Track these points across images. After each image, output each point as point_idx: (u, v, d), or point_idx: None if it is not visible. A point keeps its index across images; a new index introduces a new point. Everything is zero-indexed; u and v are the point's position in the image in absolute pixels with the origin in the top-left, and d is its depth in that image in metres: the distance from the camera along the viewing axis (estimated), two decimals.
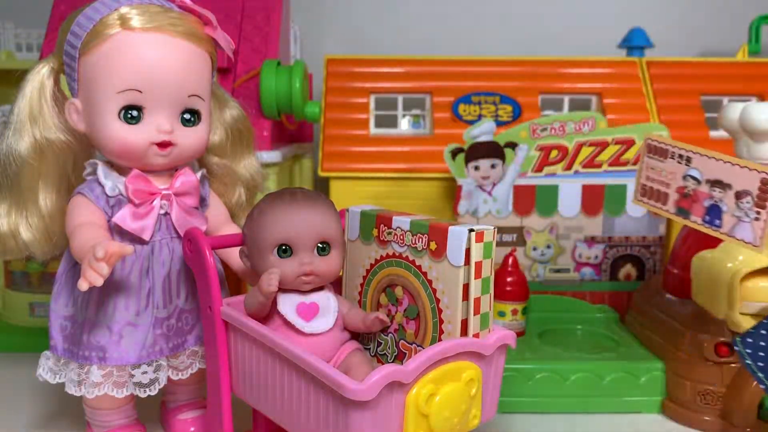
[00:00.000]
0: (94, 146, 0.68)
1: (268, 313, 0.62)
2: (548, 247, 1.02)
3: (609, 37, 1.32)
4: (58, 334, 0.68)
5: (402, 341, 0.63)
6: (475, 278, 0.57)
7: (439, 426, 0.54)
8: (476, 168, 0.99)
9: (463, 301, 0.57)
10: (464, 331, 0.57)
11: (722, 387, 0.77)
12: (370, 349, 0.66)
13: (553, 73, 1.15)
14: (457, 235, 0.56)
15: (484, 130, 0.98)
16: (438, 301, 0.58)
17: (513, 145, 0.99)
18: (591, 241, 1.02)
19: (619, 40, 1.26)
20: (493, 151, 0.99)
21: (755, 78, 1.14)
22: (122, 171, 0.67)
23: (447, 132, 1.09)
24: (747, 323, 0.77)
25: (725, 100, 1.12)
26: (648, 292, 0.93)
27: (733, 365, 0.77)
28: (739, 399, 0.75)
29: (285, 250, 0.61)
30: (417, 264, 0.60)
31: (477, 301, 0.57)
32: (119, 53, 0.62)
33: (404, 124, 1.16)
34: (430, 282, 0.59)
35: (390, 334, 0.64)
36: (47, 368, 0.68)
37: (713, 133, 1.09)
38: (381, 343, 0.65)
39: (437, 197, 1.07)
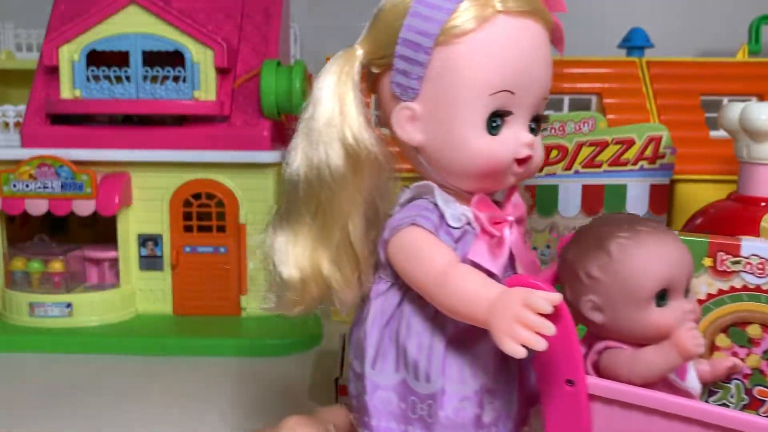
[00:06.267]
0: (420, 162, 0.53)
1: None
2: (548, 247, 1.02)
3: (609, 37, 1.32)
4: (380, 410, 0.51)
5: (758, 387, 0.56)
6: None
7: None
8: None
9: None
10: None
11: None
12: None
13: (553, 73, 1.15)
14: None
15: None
16: None
17: None
18: None
19: (619, 40, 1.26)
20: None
21: (755, 78, 1.14)
22: (456, 195, 0.53)
23: None
24: None
25: (725, 100, 1.12)
26: None
27: None
28: None
29: (662, 297, 0.50)
30: None
31: None
32: (497, 43, 0.48)
33: None
34: None
35: (734, 381, 0.57)
36: None
37: (713, 133, 1.09)
38: (717, 391, 0.57)
39: None
